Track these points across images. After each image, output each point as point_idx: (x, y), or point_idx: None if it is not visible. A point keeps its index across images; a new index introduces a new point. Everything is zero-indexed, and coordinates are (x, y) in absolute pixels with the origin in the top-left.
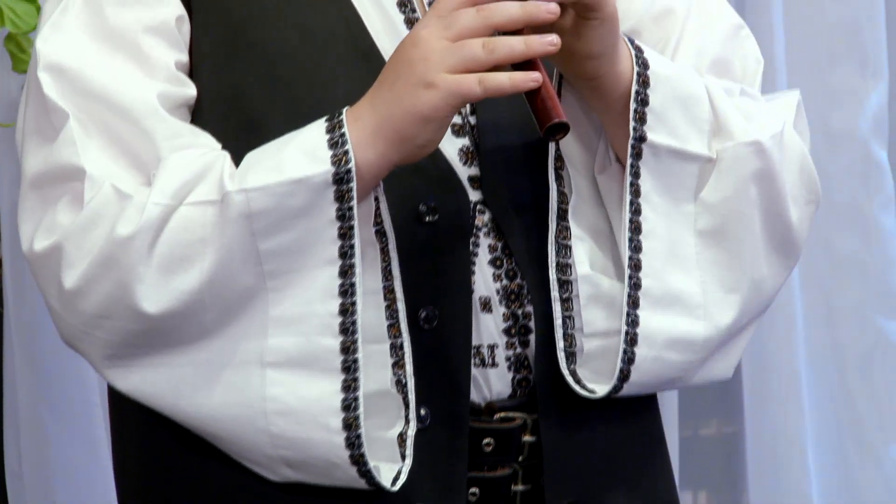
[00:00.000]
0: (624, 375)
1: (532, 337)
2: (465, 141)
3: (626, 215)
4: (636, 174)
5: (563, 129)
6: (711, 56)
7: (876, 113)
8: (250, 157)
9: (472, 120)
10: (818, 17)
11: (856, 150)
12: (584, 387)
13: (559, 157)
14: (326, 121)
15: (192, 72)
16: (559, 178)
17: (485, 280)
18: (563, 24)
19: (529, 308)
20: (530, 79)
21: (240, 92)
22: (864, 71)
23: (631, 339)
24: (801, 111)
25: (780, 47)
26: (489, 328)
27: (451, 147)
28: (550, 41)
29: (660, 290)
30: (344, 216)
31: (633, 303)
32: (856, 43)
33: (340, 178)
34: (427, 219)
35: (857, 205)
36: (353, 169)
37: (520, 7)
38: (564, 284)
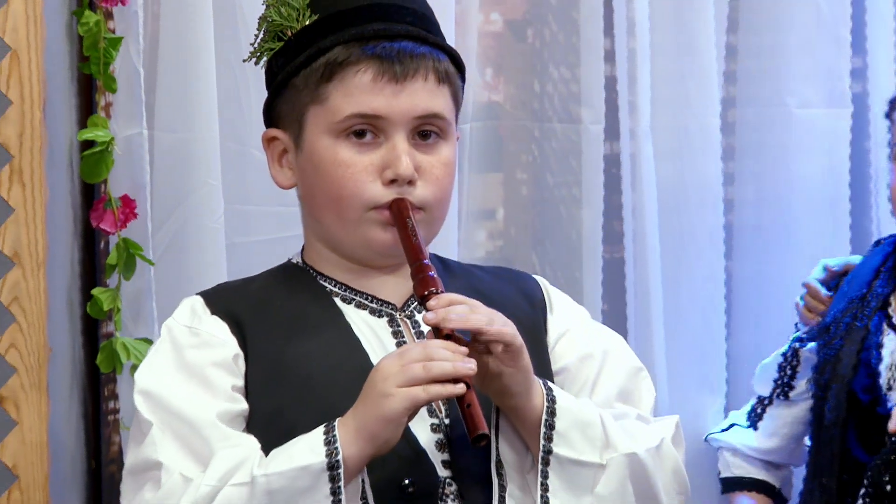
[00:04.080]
0: None
1: None
2: (439, 436)
3: None
4: (545, 476)
5: (485, 437)
6: (619, 388)
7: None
8: (275, 451)
9: (447, 421)
10: (686, 340)
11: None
12: None
13: (499, 461)
14: (325, 426)
15: (247, 393)
16: (500, 475)
17: None
18: (494, 374)
19: None
20: (458, 389)
21: (280, 409)
22: (711, 386)
23: None
24: (679, 429)
25: (661, 359)
26: None
27: (429, 440)
28: (470, 367)
29: None
30: (336, 492)
31: None
32: (704, 363)
33: (332, 466)
34: (409, 490)
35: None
36: (341, 459)
37: (451, 366)
38: None
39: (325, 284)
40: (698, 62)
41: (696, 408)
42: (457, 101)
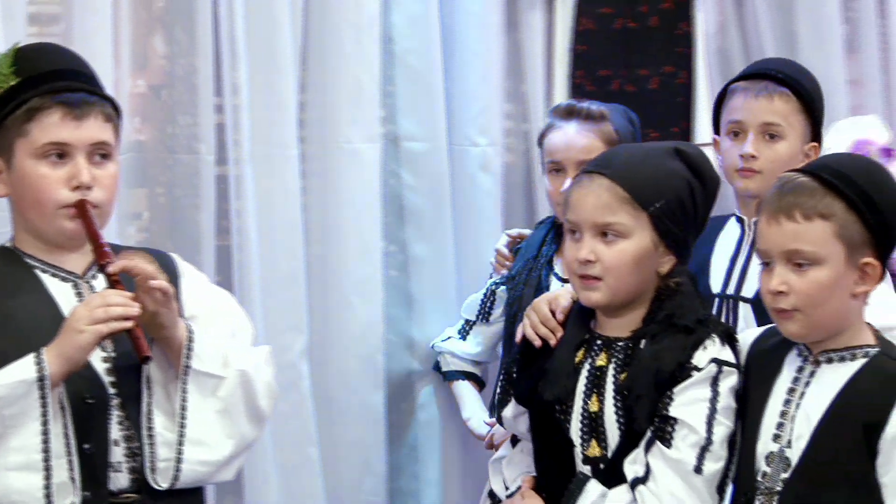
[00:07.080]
0: (176, 478)
1: (138, 458)
2: (108, 364)
3: (178, 404)
4: (185, 382)
5: (148, 359)
6: (232, 327)
7: (303, 352)
8: (1, 370)
9: (114, 354)
10: (277, 298)
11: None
12: (157, 483)
13: (149, 378)
14: (35, 352)
15: None
16: (149, 388)
17: (115, 430)
18: (152, 313)
19: (137, 443)
20: (129, 324)
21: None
22: (295, 329)
23: (177, 460)
24: (270, 355)
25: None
26: (117, 454)
27: (101, 367)
28: (135, 310)
29: (195, 437)
30: (44, 397)
31: (180, 443)
32: (289, 313)
33: (41, 379)
34: (88, 400)
35: None
36: (47, 375)
37: (123, 310)
38: (150, 437)
39: (28, 261)
40: (281, 112)
41: (283, 343)
42: (118, 133)
